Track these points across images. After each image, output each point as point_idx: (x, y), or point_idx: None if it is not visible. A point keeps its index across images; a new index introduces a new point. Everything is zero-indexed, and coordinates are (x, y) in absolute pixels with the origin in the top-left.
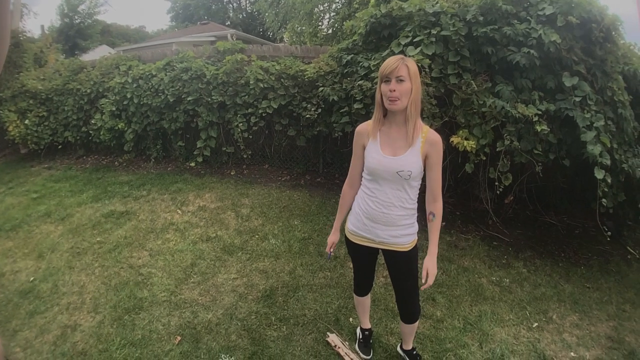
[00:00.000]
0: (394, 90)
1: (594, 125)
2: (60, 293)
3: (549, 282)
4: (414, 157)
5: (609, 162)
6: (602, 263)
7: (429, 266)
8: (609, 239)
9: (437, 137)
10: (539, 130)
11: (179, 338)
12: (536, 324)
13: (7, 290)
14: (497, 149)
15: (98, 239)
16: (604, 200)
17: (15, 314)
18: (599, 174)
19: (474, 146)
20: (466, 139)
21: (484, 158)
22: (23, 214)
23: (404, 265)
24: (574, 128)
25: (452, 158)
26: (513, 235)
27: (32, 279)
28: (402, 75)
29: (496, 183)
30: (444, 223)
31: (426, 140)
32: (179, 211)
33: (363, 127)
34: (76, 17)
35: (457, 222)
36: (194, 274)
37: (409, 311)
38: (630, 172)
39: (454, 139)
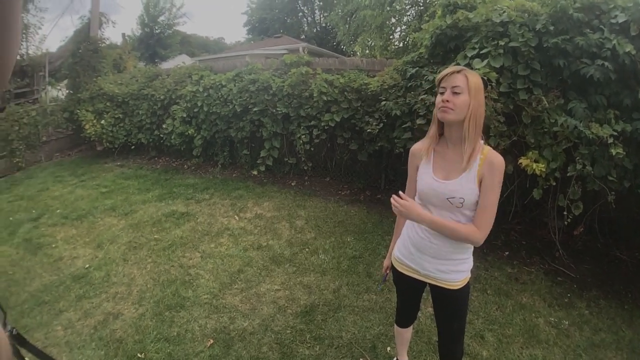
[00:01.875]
0: (448, 101)
1: None
2: (110, 282)
3: (611, 327)
4: (469, 182)
5: None
6: None
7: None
8: None
9: (497, 158)
10: (614, 153)
11: (211, 341)
12: None
13: (62, 273)
14: (568, 174)
15: (155, 236)
16: None
17: (65, 296)
18: None
19: (544, 170)
20: (535, 161)
21: (554, 183)
22: (90, 206)
23: (450, 305)
24: None
25: (521, 181)
26: (580, 271)
27: (87, 266)
28: (459, 85)
29: (565, 212)
30: (507, 252)
31: (484, 162)
32: (236, 217)
33: (417, 147)
34: (156, 27)
35: (521, 253)
36: (239, 280)
37: (450, 354)
38: None
39: (523, 161)
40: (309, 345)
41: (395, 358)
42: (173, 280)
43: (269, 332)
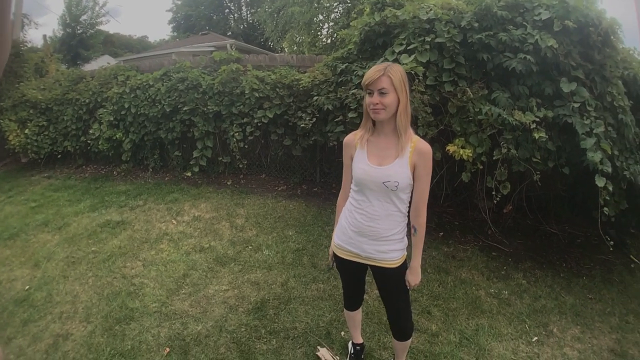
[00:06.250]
0: (377, 103)
1: (594, 131)
2: (54, 302)
3: (550, 294)
4: (402, 167)
5: (610, 170)
6: (604, 273)
7: (410, 279)
8: (611, 248)
9: (426, 147)
10: (536, 137)
11: (167, 349)
12: (536, 338)
13: (2, 299)
14: (494, 158)
15: (93, 249)
16: (605, 208)
17: (10, 322)
18: (600, 182)
19: (471, 155)
20: (462, 147)
21: (481, 167)
22: (21, 223)
23: (393, 282)
24: (573, 135)
25: (449, 167)
26: (513, 246)
27: (27, 287)
28: (384, 87)
29: (493, 193)
30: (441, 233)
31: (415, 150)
32: (174, 221)
33: (350, 138)
34: (78, 28)
35: (455, 232)
36: (186, 285)
37: (401, 329)
38: (632, 179)
39: (450, 148)
40: (265, 340)
41: (350, 341)
42: (118, 293)
43: (224, 332)
